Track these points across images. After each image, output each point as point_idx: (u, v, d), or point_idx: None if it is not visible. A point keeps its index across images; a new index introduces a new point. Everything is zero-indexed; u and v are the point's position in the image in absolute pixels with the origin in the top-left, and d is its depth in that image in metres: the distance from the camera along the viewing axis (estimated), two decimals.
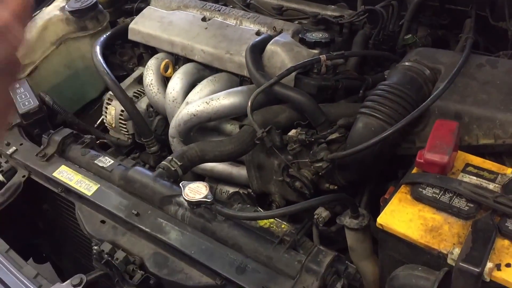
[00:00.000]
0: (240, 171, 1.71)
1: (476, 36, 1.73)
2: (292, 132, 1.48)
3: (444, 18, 1.94)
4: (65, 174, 1.57)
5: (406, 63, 1.45)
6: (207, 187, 1.33)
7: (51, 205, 1.78)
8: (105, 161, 1.56)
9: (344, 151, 1.34)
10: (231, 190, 1.77)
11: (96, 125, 2.12)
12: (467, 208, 1.05)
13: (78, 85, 2.18)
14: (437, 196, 1.09)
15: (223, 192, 1.79)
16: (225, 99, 1.59)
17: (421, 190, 1.11)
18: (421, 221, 1.07)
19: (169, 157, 1.47)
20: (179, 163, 1.45)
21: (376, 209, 1.47)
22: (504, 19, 1.76)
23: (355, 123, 1.38)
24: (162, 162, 1.46)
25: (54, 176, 1.57)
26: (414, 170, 1.20)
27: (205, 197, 1.30)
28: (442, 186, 1.09)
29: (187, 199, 1.31)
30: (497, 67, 1.37)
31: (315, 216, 1.47)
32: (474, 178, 1.13)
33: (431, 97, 1.28)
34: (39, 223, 1.92)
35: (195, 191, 1.33)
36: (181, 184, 1.34)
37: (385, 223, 1.09)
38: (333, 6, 1.87)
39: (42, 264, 2.23)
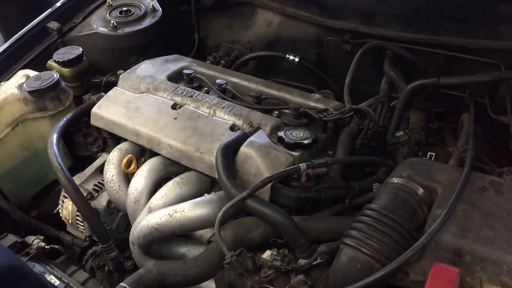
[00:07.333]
0: (209, 285, 1.50)
1: (475, 128, 1.56)
2: (267, 255, 1.28)
3: (439, 106, 1.76)
4: None
5: (397, 181, 1.27)
6: None
7: None
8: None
9: None
10: None
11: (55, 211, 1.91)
12: None
13: (37, 166, 1.96)
14: None
15: None
16: (191, 211, 1.38)
17: None
18: None
19: (122, 285, 1.26)
20: None
21: None
22: (505, 113, 1.60)
23: (339, 254, 1.18)
24: None
25: None
26: None
27: None
28: None
29: None
30: (503, 193, 1.20)
31: None
32: None
33: (427, 233, 1.11)
34: None
35: None
36: None
37: None
38: (317, 96, 1.68)
39: None
